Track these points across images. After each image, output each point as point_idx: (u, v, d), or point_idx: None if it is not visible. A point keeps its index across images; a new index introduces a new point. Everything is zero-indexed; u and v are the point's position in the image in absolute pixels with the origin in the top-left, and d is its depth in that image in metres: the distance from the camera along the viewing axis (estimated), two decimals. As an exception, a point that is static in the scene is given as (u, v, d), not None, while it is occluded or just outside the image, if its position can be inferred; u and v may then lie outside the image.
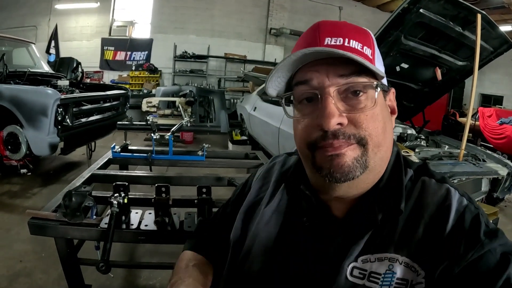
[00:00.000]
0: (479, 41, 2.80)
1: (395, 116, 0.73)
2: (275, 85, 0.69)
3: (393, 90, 0.73)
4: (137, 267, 2.58)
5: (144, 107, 6.40)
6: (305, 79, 0.64)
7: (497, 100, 11.40)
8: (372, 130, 0.62)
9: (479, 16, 2.72)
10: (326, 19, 0.70)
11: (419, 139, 3.72)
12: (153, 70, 10.18)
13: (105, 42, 10.32)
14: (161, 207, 1.64)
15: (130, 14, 10.60)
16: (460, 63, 3.42)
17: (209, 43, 10.48)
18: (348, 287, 0.63)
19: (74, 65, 5.96)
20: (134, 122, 3.90)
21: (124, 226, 1.61)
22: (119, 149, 2.80)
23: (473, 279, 0.56)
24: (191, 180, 2.33)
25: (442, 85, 3.74)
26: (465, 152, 3.08)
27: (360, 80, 0.62)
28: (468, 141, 3.19)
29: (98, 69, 10.30)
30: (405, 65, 3.44)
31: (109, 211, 1.56)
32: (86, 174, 2.23)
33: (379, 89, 0.64)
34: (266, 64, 10.01)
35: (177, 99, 6.42)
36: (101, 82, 9.42)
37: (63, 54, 9.23)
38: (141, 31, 10.65)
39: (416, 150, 3.14)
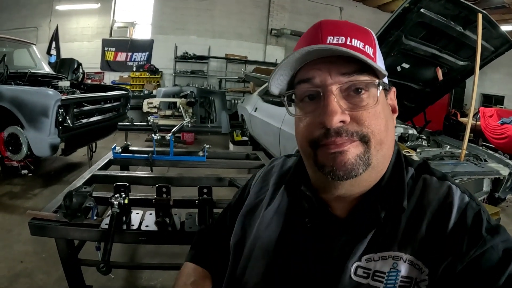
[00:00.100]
0: (480, 41, 2.80)
1: (396, 115, 0.74)
2: (277, 83, 0.69)
3: (394, 89, 0.73)
4: (138, 268, 2.58)
5: (145, 108, 6.39)
6: (308, 77, 0.64)
7: (498, 100, 11.38)
8: (375, 127, 0.62)
9: (480, 15, 2.72)
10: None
11: (420, 139, 3.71)
12: (154, 71, 10.21)
13: (106, 43, 10.35)
14: (162, 207, 1.64)
15: (130, 15, 10.63)
16: (461, 63, 3.40)
17: (210, 44, 10.51)
18: (353, 287, 0.62)
19: (75, 66, 5.96)
20: (135, 123, 3.89)
21: (124, 226, 1.61)
22: (120, 150, 2.80)
23: (475, 276, 0.56)
24: (192, 181, 2.32)
25: (443, 85, 3.73)
26: (466, 152, 3.08)
27: (362, 79, 0.62)
28: (469, 141, 3.18)
29: (99, 70, 10.33)
30: (406, 65, 3.43)
31: (109, 211, 1.56)
32: (86, 175, 2.23)
33: (381, 87, 0.64)
34: (267, 65, 10.02)
35: (178, 100, 6.41)
36: (102, 83, 9.43)
37: (64, 55, 9.27)
38: (142, 32, 10.69)
39: (418, 150, 3.14)
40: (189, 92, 6.92)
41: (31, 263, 2.52)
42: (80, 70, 5.79)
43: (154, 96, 7.51)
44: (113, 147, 2.77)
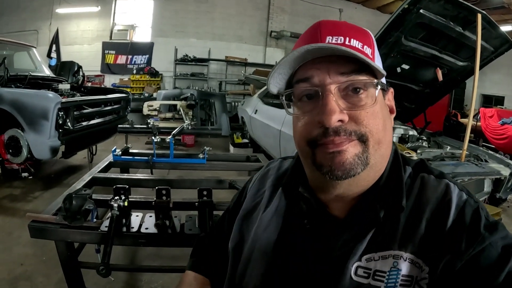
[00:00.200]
0: (479, 41, 2.80)
1: (394, 115, 0.74)
2: (276, 82, 0.69)
3: (391, 90, 0.73)
4: (138, 270, 2.57)
5: (145, 111, 6.37)
6: (306, 76, 0.64)
7: (498, 101, 11.38)
8: (373, 127, 0.63)
9: (479, 16, 2.72)
10: (326, 20, 0.71)
11: (420, 140, 3.71)
12: (154, 73, 10.23)
13: (106, 46, 10.36)
14: (161, 210, 1.63)
15: (131, 18, 10.64)
16: (461, 63, 3.40)
17: (210, 47, 10.52)
18: (353, 287, 0.62)
19: (75, 69, 5.97)
20: (135, 126, 3.89)
21: (124, 229, 1.60)
22: (120, 152, 2.79)
23: (475, 273, 0.56)
24: (192, 183, 2.31)
25: (443, 86, 3.73)
26: (467, 152, 3.07)
27: (361, 78, 0.63)
28: (470, 141, 3.18)
29: (99, 73, 10.33)
30: (406, 66, 3.43)
31: (109, 214, 1.56)
32: (87, 177, 2.23)
33: (379, 87, 0.64)
34: (267, 67, 9.99)
35: (178, 103, 6.39)
36: (102, 86, 9.44)
37: (64, 58, 9.27)
38: (142, 35, 10.70)
39: (418, 151, 3.14)
40: (189, 94, 6.91)
41: (31, 266, 2.52)
42: (80, 73, 5.80)
43: (155, 99, 7.51)
44: (113, 149, 2.77)
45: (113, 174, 2.57)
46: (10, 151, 3.74)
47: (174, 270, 2.09)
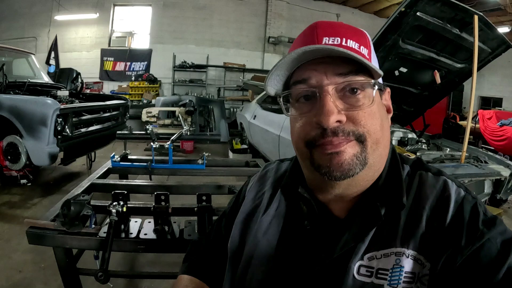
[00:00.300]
0: (477, 43, 2.81)
1: (391, 115, 0.74)
2: (273, 84, 0.70)
3: (388, 89, 0.74)
4: (138, 277, 2.55)
5: (144, 117, 6.37)
6: (303, 78, 0.65)
7: (496, 102, 11.44)
8: (371, 127, 0.63)
9: (476, 17, 2.73)
10: (323, 26, 0.70)
11: (420, 143, 3.71)
12: (153, 80, 10.24)
13: (104, 53, 10.40)
14: (160, 215, 1.62)
15: (129, 24, 10.70)
16: (458, 65, 3.41)
17: (208, 53, 10.56)
18: (357, 286, 0.62)
19: (74, 76, 6.00)
20: (133, 132, 3.88)
21: (123, 235, 1.59)
22: (119, 159, 2.79)
23: (475, 270, 0.56)
24: (191, 189, 2.31)
25: (441, 88, 3.73)
26: (466, 154, 3.07)
27: (358, 79, 0.63)
28: (469, 143, 3.18)
29: (98, 80, 10.35)
30: (403, 69, 3.43)
31: (108, 220, 1.55)
32: (85, 184, 2.22)
33: (376, 87, 0.65)
34: (265, 73, 10.03)
35: (176, 109, 6.40)
36: (101, 93, 9.46)
37: (63, 65, 9.32)
38: (140, 42, 10.74)
39: (418, 153, 3.13)
40: (187, 101, 6.91)
41: (30, 273, 2.50)
42: (79, 80, 5.83)
43: (153, 106, 7.52)
44: (111, 155, 2.76)
45: (112, 180, 2.55)
46: (9, 157, 3.74)
47: (174, 277, 2.06)
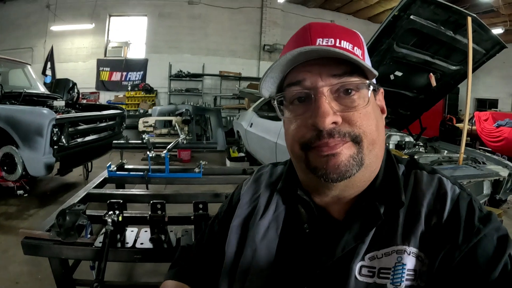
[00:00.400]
0: (471, 44, 2.82)
1: (385, 115, 0.74)
2: (268, 86, 0.70)
3: (382, 90, 0.74)
4: (135, 287, 2.51)
5: (141, 127, 6.36)
6: (298, 79, 0.65)
7: (492, 104, 11.52)
8: (366, 127, 0.63)
9: (469, 19, 2.74)
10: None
11: (417, 146, 3.71)
12: (149, 90, 10.26)
13: (100, 63, 10.42)
14: (156, 224, 1.60)
15: (125, 34, 10.74)
16: (453, 67, 3.42)
17: (204, 62, 10.60)
18: (360, 287, 0.61)
19: (70, 86, 5.98)
20: (130, 141, 3.86)
21: (119, 244, 1.56)
22: (115, 168, 2.76)
23: (473, 267, 0.57)
24: (188, 197, 2.27)
25: (437, 91, 3.74)
26: (464, 155, 3.07)
27: (353, 80, 0.63)
28: (466, 145, 3.18)
29: (94, 90, 10.38)
30: (399, 73, 3.44)
31: (104, 229, 1.52)
32: (81, 193, 2.19)
33: (371, 87, 0.65)
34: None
35: (173, 118, 6.40)
36: (97, 103, 9.46)
37: (59, 75, 9.33)
38: (136, 52, 10.79)
39: (416, 156, 3.12)
40: (184, 110, 6.94)
41: (27, 284, 2.48)
42: (75, 90, 5.81)
43: (150, 115, 7.53)
44: (108, 165, 2.74)
45: (108, 190, 2.52)
46: (5, 168, 3.71)
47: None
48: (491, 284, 0.55)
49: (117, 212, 1.56)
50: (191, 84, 10.59)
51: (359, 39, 0.68)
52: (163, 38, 10.47)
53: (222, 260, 0.78)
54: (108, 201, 1.61)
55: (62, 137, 3.75)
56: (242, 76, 10.65)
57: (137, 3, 10.39)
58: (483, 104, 11.83)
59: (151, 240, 1.57)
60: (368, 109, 0.64)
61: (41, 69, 9.55)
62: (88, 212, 1.64)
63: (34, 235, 1.55)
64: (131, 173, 2.80)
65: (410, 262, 0.60)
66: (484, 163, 3.13)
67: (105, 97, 10.34)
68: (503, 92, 11.15)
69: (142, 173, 2.71)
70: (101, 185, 2.57)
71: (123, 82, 10.44)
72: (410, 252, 0.60)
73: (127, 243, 1.59)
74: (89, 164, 4.91)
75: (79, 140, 4.18)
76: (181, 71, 10.30)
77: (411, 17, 2.72)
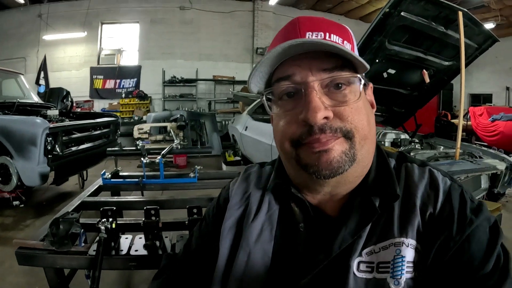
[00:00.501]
0: (463, 39, 2.82)
1: (375, 110, 0.73)
2: (256, 81, 0.68)
3: (371, 85, 0.73)
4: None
5: (136, 134, 6.34)
6: (287, 74, 0.63)
7: (486, 99, 11.59)
8: (358, 122, 0.62)
9: (460, 13, 2.75)
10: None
11: (413, 143, 3.71)
12: (143, 96, 10.22)
13: (94, 71, 10.38)
14: (150, 230, 1.57)
15: (117, 42, 10.71)
16: (446, 63, 3.43)
17: (197, 67, 10.59)
18: (359, 284, 0.60)
19: (64, 95, 5.96)
20: (124, 148, 3.83)
21: (113, 252, 1.54)
22: (110, 176, 2.74)
23: (467, 258, 0.57)
24: (183, 203, 2.23)
25: (431, 87, 3.75)
26: (460, 151, 3.07)
27: (344, 74, 0.62)
28: (462, 140, 3.18)
29: (88, 98, 10.32)
30: (392, 71, 3.44)
31: (97, 237, 1.50)
32: (76, 202, 2.16)
33: (362, 81, 0.64)
34: (255, 84, 10.07)
35: (168, 124, 6.39)
36: (92, 111, 9.41)
37: (52, 84, 9.28)
38: (129, 59, 10.74)
39: (412, 153, 3.11)
40: (179, 115, 6.89)
41: (24, 295, 2.43)
42: (69, 99, 5.79)
43: (145, 122, 7.51)
44: (102, 173, 2.72)
45: (103, 197, 2.50)
46: (0, 179, 3.67)
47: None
48: (486, 275, 0.55)
49: (110, 219, 1.53)
50: (185, 90, 10.58)
51: (349, 33, 0.67)
52: (155, 44, 10.45)
53: (213, 266, 0.74)
54: (101, 209, 1.58)
55: (56, 146, 3.72)
56: (235, 80, 10.65)
57: (129, 10, 10.37)
58: (477, 100, 11.90)
59: (145, 246, 1.54)
60: (359, 104, 0.63)
61: (34, 78, 9.50)
62: (82, 220, 1.62)
63: (28, 245, 1.53)
64: (126, 180, 2.77)
65: (409, 254, 0.59)
66: (481, 157, 3.13)
67: (99, 105, 10.28)
68: (496, 86, 11.23)
69: (137, 180, 2.68)
70: (96, 193, 2.54)
71: (117, 90, 10.40)
72: (408, 244, 0.60)
73: (122, 250, 1.56)
74: (85, 172, 4.86)
75: (74, 148, 4.14)
76: (174, 76, 10.29)
77: (402, 13, 2.73)
